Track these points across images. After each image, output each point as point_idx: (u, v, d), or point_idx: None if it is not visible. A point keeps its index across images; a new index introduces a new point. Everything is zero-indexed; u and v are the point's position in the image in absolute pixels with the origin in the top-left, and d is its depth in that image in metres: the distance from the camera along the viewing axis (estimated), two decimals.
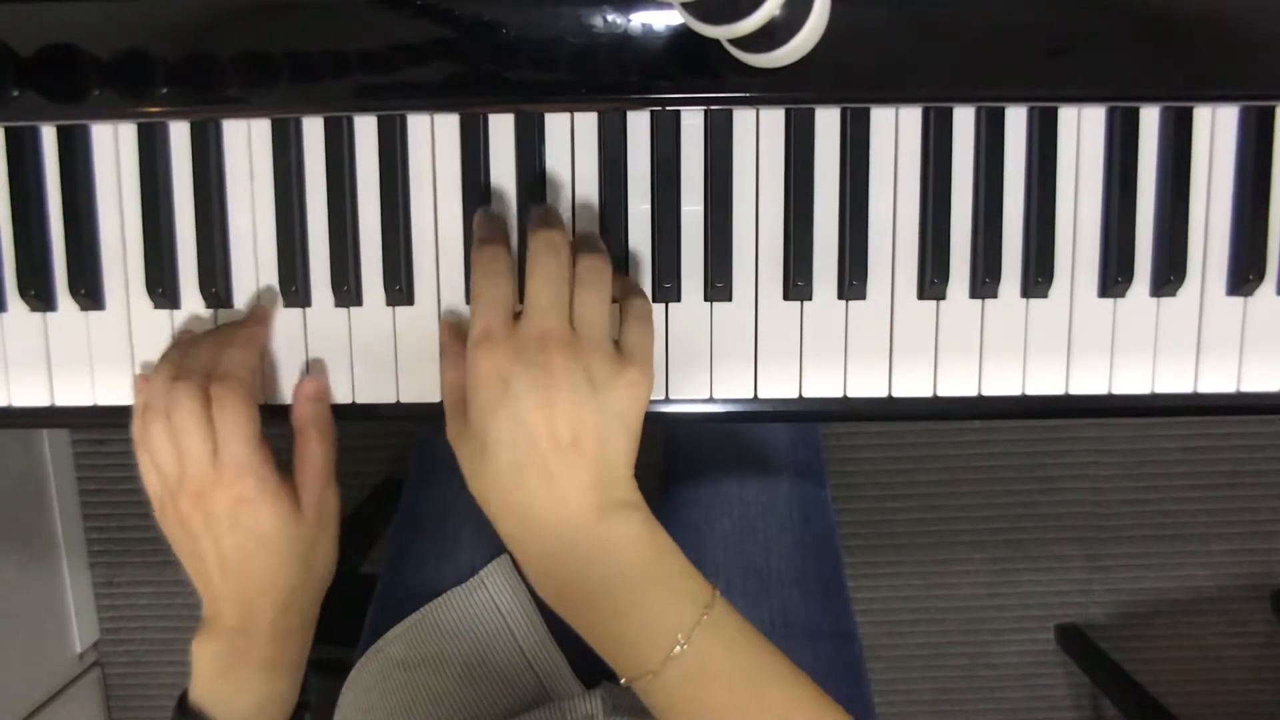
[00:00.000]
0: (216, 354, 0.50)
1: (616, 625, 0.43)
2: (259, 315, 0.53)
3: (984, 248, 0.52)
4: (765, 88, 0.48)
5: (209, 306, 0.53)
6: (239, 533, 0.48)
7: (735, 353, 0.53)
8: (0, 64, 0.49)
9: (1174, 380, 0.53)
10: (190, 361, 0.49)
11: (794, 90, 0.49)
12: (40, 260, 0.53)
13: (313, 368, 0.53)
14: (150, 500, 0.50)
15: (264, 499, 0.48)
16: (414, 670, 0.66)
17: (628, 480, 0.44)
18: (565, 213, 0.52)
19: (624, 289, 0.50)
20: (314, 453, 0.51)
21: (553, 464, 0.42)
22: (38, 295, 0.53)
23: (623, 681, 0.44)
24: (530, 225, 0.47)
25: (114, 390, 0.54)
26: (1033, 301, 0.53)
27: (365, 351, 0.53)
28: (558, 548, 0.43)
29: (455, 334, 0.50)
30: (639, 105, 0.51)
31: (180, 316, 0.54)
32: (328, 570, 0.52)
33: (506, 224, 0.51)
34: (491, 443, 0.43)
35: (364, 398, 0.54)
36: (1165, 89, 0.50)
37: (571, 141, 0.52)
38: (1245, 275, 0.52)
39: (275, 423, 0.53)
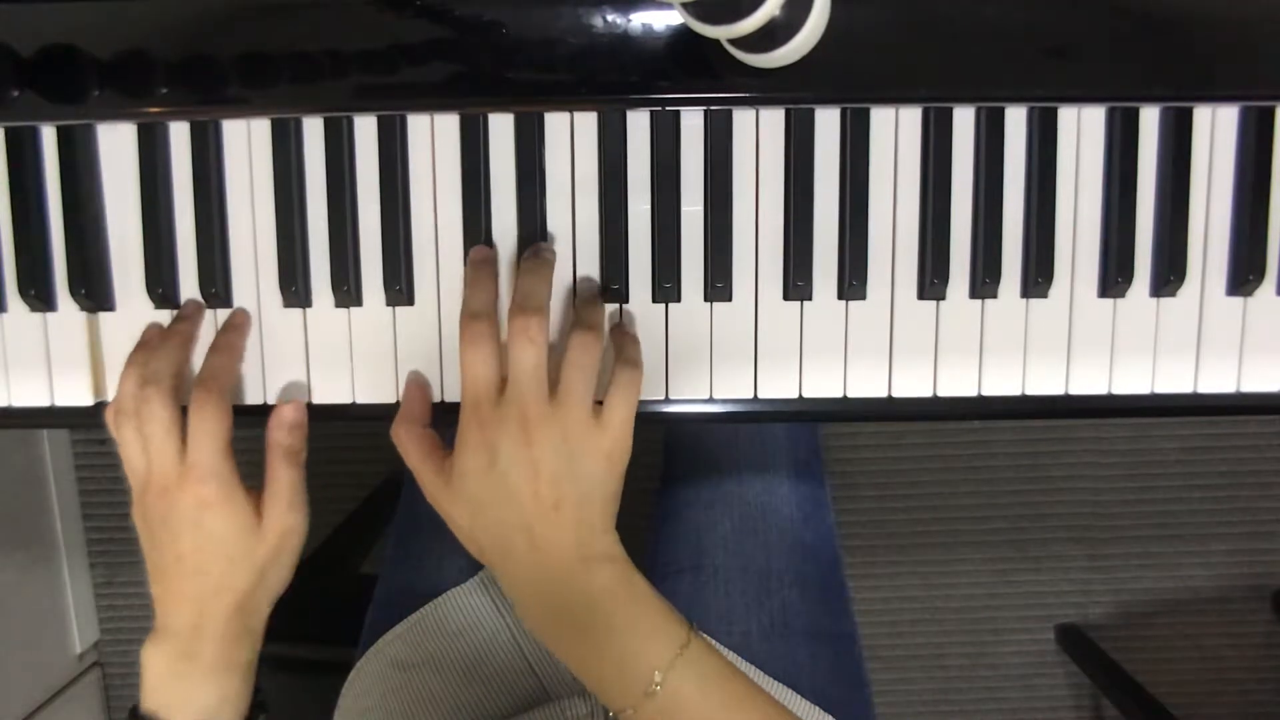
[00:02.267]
0: (182, 356, 0.52)
1: (598, 663, 0.47)
2: (238, 322, 0.53)
3: (984, 248, 0.52)
4: (765, 88, 0.48)
5: (209, 307, 0.53)
6: (198, 534, 0.49)
7: (735, 353, 0.53)
8: (0, 64, 0.49)
9: (1174, 380, 0.53)
10: (157, 364, 0.50)
11: (794, 90, 0.49)
12: (40, 260, 0.53)
13: (294, 391, 0.54)
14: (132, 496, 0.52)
15: (224, 506, 0.49)
16: (413, 670, 0.66)
17: (606, 533, 0.48)
18: (565, 213, 0.52)
19: (621, 345, 0.51)
20: (281, 479, 0.52)
21: (537, 526, 0.46)
22: (38, 295, 0.53)
23: (610, 715, 0.47)
24: (511, 303, 0.48)
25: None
26: (1033, 302, 0.53)
27: (365, 351, 0.53)
28: (545, 595, 0.47)
29: (418, 410, 0.52)
30: (639, 105, 0.51)
31: None
32: (282, 584, 0.53)
33: (495, 276, 0.51)
34: (482, 506, 0.47)
35: (364, 398, 0.54)
36: (1165, 89, 0.50)
37: (571, 141, 0.52)
38: (1245, 275, 0.52)
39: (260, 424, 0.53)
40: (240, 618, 0.51)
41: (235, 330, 0.53)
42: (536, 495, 0.46)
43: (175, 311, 0.54)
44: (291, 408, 0.52)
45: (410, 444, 0.50)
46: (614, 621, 0.47)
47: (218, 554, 0.50)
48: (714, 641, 0.65)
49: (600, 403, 0.48)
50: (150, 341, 0.53)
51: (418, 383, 0.53)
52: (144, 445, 0.50)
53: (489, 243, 0.52)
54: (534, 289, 0.48)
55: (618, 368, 0.49)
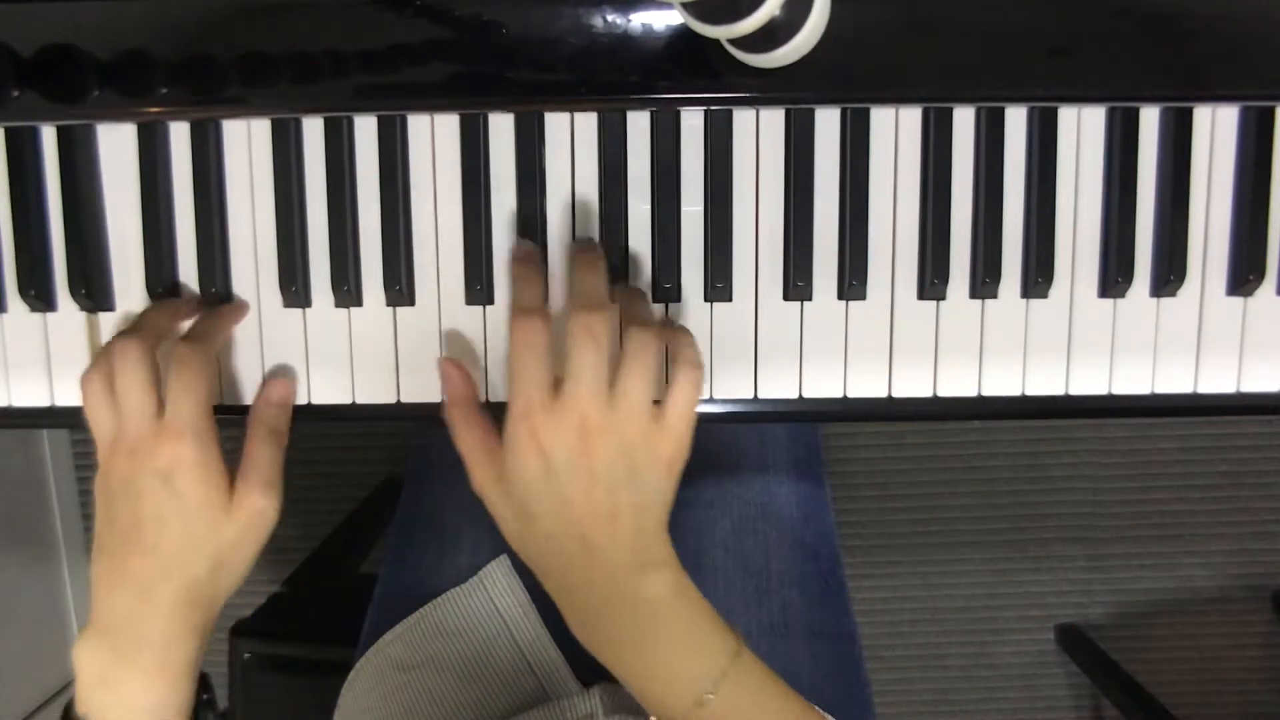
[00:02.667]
0: (168, 324, 0.51)
1: (647, 672, 0.46)
2: (237, 304, 0.53)
3: (984, 248, 0.52)
4: (765, 88, 0.48)
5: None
6: (162, 496, 0.46)
7: (735, 353, 0.53)
8: (0, 64, 0.49)
9: (1174, 380, 0.53)
10: (140, 323, 0.49)
11: (794, 90, 0.49)
12: (40, 260, 0.53)
13: (284, 372, 0.53)
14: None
15: (199, 468, 0.46)
16: (413, 671, 0.66)
17: (661, 541, 0.46)
18: (565, 213, 0.52)
19: (676, 344, 0.48)
20: (262, 456, 0.49)
21: (592, 534, 0.45)
22: (38, 295, 0.53)
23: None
24: (571, 298, 0.46)
25: None
26: (1033, 302, 0.53)
27: (365, 352, 0.53)
28: (595, 602, 0.46)
29: (466, 389, 0.49)
30: (639, 105, 0.51)
31: None
32: (239, 579, 0.50)
33: (544, 274, 0.50)
34: (534, 512, 0.45)
35: (364, 398, 0.53)
36: (1165, 89, 0.50)
37: (571, 141, 0.52)
38: (1245, 275, 0.52)
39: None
40: (187, 611, 0.47)
41: (233, 309, 0.52)
42: (592, 504, 0.44)
43: None
44: (280, 384, 0.51)
45: (463, 426, 0.47)
46: (665, 631, 0.45)
47: (178, 526, 0.46)
48: None
49: (657, 402, 0.46)
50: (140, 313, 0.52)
51: (454, 364, 0.50)
52: (116, 401, 0.47)
53: (489, 243, 0.52)
54: (596, 286, 0.47)
55: (677, 368, 0.47)
